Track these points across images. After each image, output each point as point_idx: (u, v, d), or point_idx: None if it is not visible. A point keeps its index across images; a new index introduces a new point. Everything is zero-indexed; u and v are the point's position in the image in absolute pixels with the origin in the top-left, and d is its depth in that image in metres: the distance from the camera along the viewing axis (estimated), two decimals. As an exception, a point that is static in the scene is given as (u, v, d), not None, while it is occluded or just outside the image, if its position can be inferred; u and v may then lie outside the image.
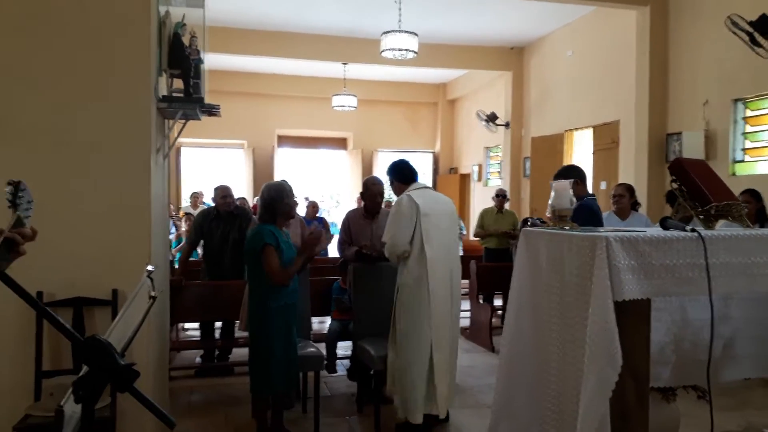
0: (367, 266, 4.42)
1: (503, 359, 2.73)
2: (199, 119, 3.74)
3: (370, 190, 4.66)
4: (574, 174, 4.35)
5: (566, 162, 10.16)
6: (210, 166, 14.42)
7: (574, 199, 2.61)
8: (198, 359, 5.71)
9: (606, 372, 2.06)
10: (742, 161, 6.81)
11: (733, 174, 6.75)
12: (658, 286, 2.16)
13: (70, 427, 1.54)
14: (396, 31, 7.96)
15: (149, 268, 1.73)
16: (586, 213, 4.07)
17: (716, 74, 6.95)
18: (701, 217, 2.50)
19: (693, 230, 2.22)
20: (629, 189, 5.32)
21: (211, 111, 3.68)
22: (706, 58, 7.11)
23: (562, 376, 2.39)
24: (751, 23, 5.93)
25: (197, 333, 6.10)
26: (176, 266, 5.90)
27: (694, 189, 2.55)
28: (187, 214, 8.67)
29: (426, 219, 3.86)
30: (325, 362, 4.88)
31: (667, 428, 2.93)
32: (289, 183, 4.53)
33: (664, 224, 2.40)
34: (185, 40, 3.62)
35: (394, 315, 3.90)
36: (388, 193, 6.05)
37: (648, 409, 2.35)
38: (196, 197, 10.16)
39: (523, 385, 2.64)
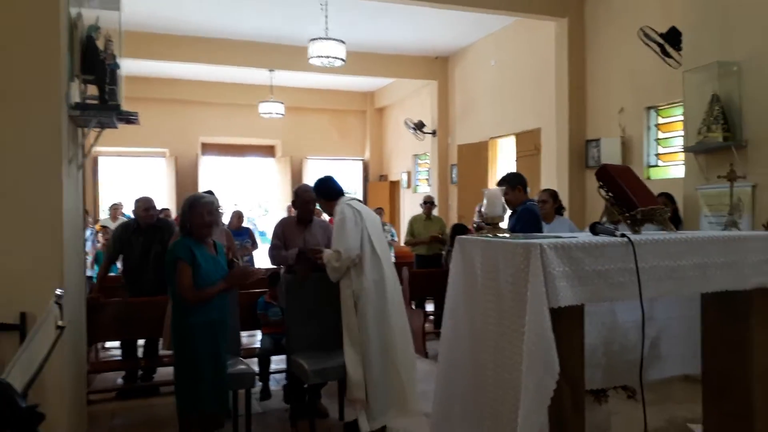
0: (299, 277, 4.30)
1: (441, 368, 2.69)
2: (115, 127, 3.52)
3: (302, 197, 4.55)
4: (519, 180, 4.50)
5: (491, 169, 10.40)
6: (130, 176, 13.78)
7: (506, 206, 2.61)
8: (120, 380, 5.38)
9: (544, 380, 2.06)
10: (656, 166, 7.16)
11: (648, 178, 7.09)
12: (591, 291, 2.18)
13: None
14: (323, 39, 7.89)
15: (58, 292, 1.57)
16: (531, 216, 4.18)
17: (630, 83, 7.29)
18: (628, 221, 2.56)
19: (623, 235, 2.27)
20: (553, 194, 5.46)
21: (129, 119, 3.47)
22: (620, 67, 7.45)
23: (498, 384, 2.37)
24: (661, 35, 6.25)
25: (119, 352, 5.76)
26: (94, 282, 5.56)
27: (621, 194, 2.61)
28: (104, 227, 8.20)
29: (368, 225, 3.94)
30: (260, 385, 4.74)
31: (601, 429, 2.99)
32: (214, 193, 4.34)
33: (594, 229, 2.44)
34: (100, 44, 3.40)
35: (359, 323, 3.84)
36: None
37: (584, 413, 2.38)
38: (115, 209, 9.64)
39: (460, 393, 2.61)
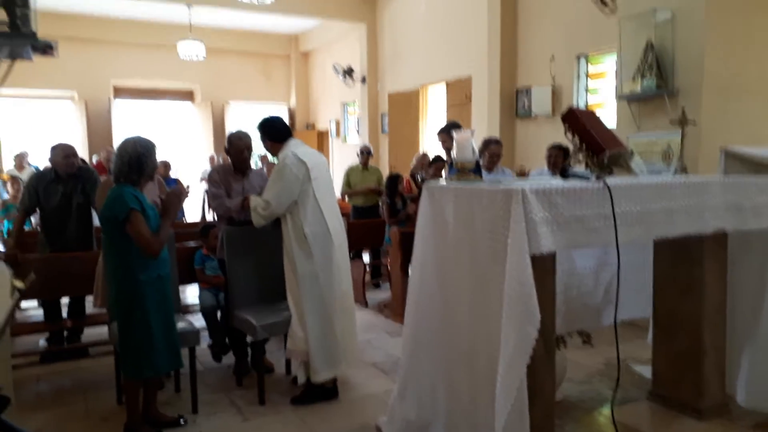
0: (241, 229, 4.06)
1: (409, 320, 2.62)
2: (30, 59, 3.09)
3: (235, 145, 4.23)
4: (459, 128, 4.40)
5: (422, 118, 10.33)
6: (32, 122, 12.62)
7: (477, 151, 2.52)
8: (42, 342, 4.99)
9: (526, 329, 2.02)
10: (587, 114, 7.29)
11: (579, 126, 7.21)
12: (569, 237, 2.15)
13: None
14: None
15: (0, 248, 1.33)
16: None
17: (562, 30, 7.31)
18: (595, 166, 2.53)
19: (598, 178, 2.24)
20: (501, 146, 5.44)
21: (46, 49, 3.04)
22: (552, 14, 7.44)
23: (472, 334, 2.33)
24: (598, -19, 6.27)
25: (38, 312, 5.33)
26: (6, 238, 5.06)
27: (588, 138, 2.57)
28: (12, 177, 7.47)
29: (315, 175, 3.70)
30: (210, 344, 4.53)
31: (558, 373, 3.04)
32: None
33: (565, 174, 2.40)
34: (6, -36, 2.94)
35: (299, 276, 3.64)
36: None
37: (554, 359, 2.39)
38: (21, 158, 8.80)
39: (430, 345, 2.56)
